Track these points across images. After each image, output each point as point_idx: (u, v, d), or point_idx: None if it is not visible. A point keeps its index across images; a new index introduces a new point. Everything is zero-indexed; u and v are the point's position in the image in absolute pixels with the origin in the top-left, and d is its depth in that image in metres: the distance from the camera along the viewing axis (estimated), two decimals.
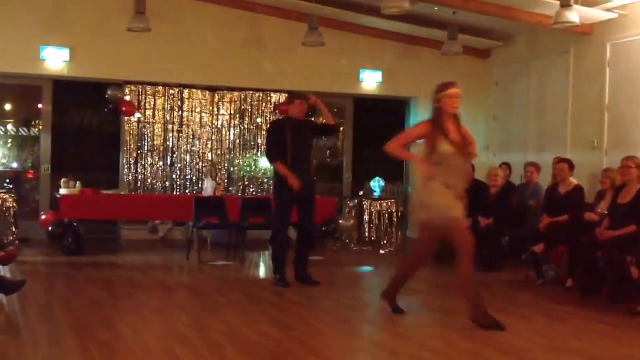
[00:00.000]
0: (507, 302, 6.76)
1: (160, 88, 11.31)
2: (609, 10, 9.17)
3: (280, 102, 11.52)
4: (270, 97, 11.81)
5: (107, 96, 10.67)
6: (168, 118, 11.38)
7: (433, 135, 5.59)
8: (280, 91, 11.65)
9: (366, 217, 10.73)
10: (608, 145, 9.43)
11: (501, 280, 8.02)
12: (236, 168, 11.75)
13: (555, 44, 10.50)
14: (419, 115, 12.33)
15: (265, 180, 11.48)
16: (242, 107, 11.77)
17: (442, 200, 5.52)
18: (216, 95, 11.61)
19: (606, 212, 7.11)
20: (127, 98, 10.95)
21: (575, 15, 8.37)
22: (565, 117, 10.34)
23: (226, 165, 11.69)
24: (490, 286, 7.63)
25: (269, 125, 8.25)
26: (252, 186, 11.72)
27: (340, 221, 10.77)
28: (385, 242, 10.65)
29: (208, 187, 10.51)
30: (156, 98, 11.32)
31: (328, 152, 12.84)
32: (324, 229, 10.60)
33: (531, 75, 11.19)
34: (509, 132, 11.73)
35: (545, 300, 6.88)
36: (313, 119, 8.51)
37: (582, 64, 10.10)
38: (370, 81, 12.01)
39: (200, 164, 11.56)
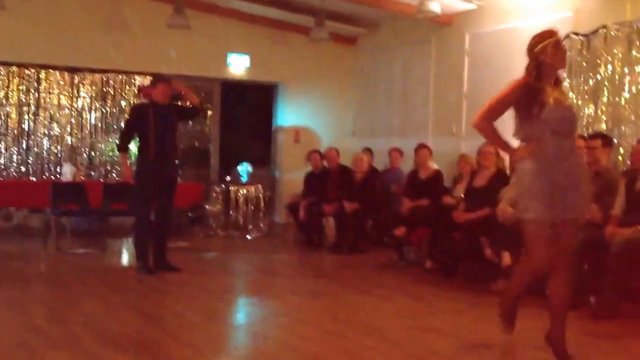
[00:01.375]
0: (370, 284, 6.92)
1: (15, 68, 10.74)
2: (468, 1, 9.55)
3: (145, 84, 11.21)
4: (134, 79, 11.48)
5: None
6: (23, 100, 10.82)
7: (531, 99, 4.08)
8: (144, 73, 11.33)
9: (233, 203, 10.65)
10: (465, 132, 9.84)
11: (365, 263, 8.19)
12: (97, 152, 11.35)
13: (417, 33, 10.82)
14: (287, 100, 12.40)
15: (129, 164, 11.13)
16: (104, 90, 11.37)
17: (543, 192, 4.00)
18: (76, 76, 11.14)
19: (462, 196, 7.42)
20: None
21: (436, 5, 8.68)
22: (426, 104, 10.71)
23: (87, 149, 11.26)
24: (354, 269, 7.81)
25: (130, 109, 7.88)
26: (114, 171, 11.36)
27: (207, 207, 10.64)
28: (252, 227, 10.62)
29: (67, 172, 10.07)
30: (10, 79, 10.73)
31: (194, 136, 12.60)
32: (190, 215, 10.44)
33: (395, 63, 11.48)
34: (374, 118, 11.99)
35: (406, 281, 7.09)
36: (179, 103, 8.28)
37: (442, 53, 10.48)
38: (238, 65, 11.92)
39: (59, 148, 11.07)
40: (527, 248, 4.31)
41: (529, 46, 4.18)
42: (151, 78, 11.34)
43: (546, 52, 4.10)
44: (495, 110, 4.19)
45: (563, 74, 4.50)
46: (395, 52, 11.43)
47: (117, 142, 7.54)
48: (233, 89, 12.65)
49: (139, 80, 11.45)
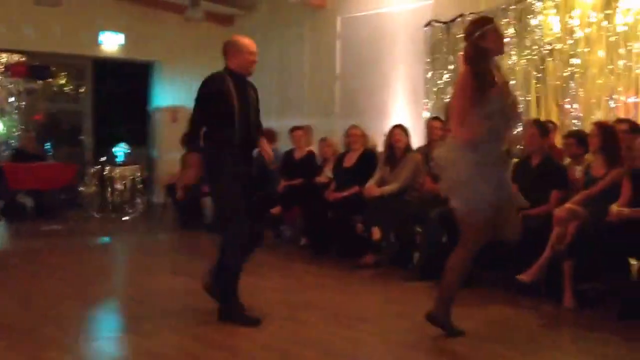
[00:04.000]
0: (246, 262, 7.11)
1: None
2: None
3: (14, 62, 10.89)
4: (2, 57, 11.09)
5: None
6: None
7: (476, 90, 4.00)
8: (12, 51, 10.97)
9: (109, 183, 10.54)
10: (340, 112, 10.21)
11: None
12: None
13: (293, 15, 11.05)
14: (164, 79, 12.34)
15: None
16: None
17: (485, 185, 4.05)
18: None
19: (332, 176, 7.74)
20: None
21: None
22: (302, 85, 10.99)
23: None
24: None
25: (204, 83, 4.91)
26: None
27: (81, 188, 10.49)
28: (129, 208, 10.57)
29: None
30: None
31: (66, 116, 12.33)
32: (62, 196, 10.28)
33: (273, 44, 11.64)
34: None
35: (281, 258, 7.34)
36: None
37: (316, 36, 10.77)
38: (111, 43, 11.74)
39: None
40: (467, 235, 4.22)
41: (467, 33, 4.14)
42: (20, 56, 11.04)
43: (486, 38, 4.07)
44: (459, 113, 4.06)
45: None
46: (271, 34, 11.59)
47: (188, 134, 4.89)
48: (107, 68, 12.44)
49: (5, 58, 11.06)
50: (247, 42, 4.91)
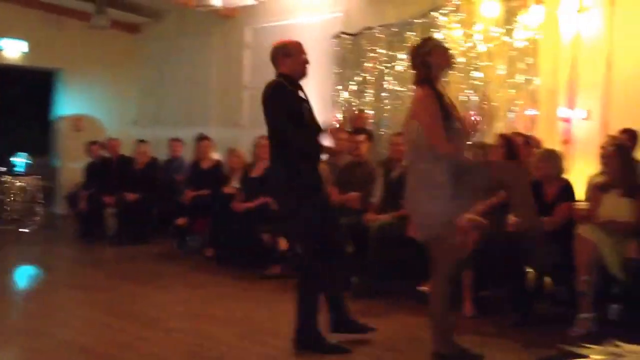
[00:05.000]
0: (149, 275, 6.96)
1: None
2: None
3: None
4: None
5: None
6: None
7: (440, 107, 4.07)
8: None
9: (7, 195, 10.11)
10: (247, 123, 10.15)
11: (146, 253, 8.19)
12: None
13: (201, 25, 10.94)
14: (68, 87, 11.99)
15: None
16: None
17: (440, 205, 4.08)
18: None
19: (239, 187, 7.68)
20: None
21: None
22: (209, 95, 10.89)
23: None
24: (134, 260, 7.81)
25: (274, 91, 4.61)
26: None
27: None
28: (28, 219, 10.17)
29: None
30: None
31: None
32: None
33: (180, 53, 11.51)
34: (158, 107, 11.95)
35: (186, 269, 7.22)
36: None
37: (224, 45, 10.70)
38: (13, 50, 11.35)
39: None
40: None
41: (414, 52, 4.20)
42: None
43: (434, 53, 4.12)
44: (440, 130, 4.02)
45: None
46: (179, 43, 11.46)
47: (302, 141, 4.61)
48: (7, 75, 11.98)
49: None
50: (295, 42, 4.67)
